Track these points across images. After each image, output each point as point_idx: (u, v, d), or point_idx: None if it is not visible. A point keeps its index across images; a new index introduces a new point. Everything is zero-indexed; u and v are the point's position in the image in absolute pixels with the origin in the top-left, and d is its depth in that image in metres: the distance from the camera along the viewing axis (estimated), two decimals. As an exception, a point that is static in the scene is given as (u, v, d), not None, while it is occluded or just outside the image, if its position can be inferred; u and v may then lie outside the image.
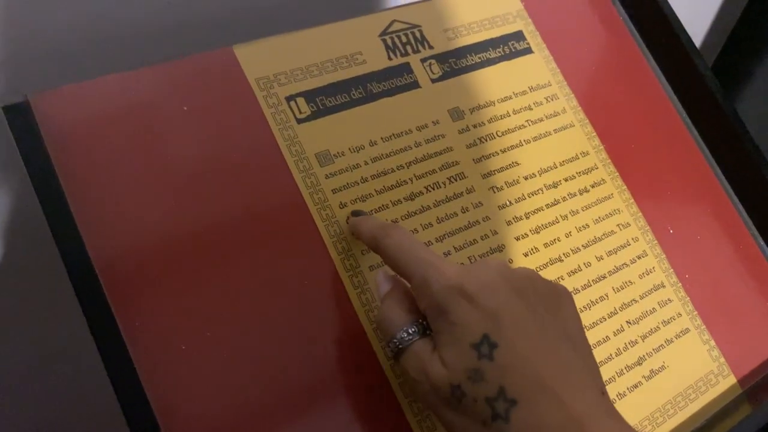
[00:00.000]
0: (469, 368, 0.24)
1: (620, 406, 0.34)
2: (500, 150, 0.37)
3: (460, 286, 0.26)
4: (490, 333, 0.25)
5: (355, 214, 0.32)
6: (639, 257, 0.38)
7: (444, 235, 0.34)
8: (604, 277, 0.37)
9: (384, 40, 0.37)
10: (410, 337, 0.27)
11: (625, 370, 0.35)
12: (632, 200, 0.39)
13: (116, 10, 0.38)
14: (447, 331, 0.25)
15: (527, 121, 0.39)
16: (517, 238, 0.36)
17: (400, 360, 0.27)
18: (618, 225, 0.38)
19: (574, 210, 0.38)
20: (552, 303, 0.27)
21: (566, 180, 0.38)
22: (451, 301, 0.25)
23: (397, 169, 0.35)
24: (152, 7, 0.39)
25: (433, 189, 0.35)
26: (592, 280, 0.36)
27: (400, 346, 0.27)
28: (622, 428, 0.24)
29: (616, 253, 0.38)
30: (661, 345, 0.37)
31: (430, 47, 0.38)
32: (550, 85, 0.40)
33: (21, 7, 0.35)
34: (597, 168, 0.39)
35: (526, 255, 0.35)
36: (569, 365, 0.25)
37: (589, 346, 0.27)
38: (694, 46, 0.43)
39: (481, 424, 0.24)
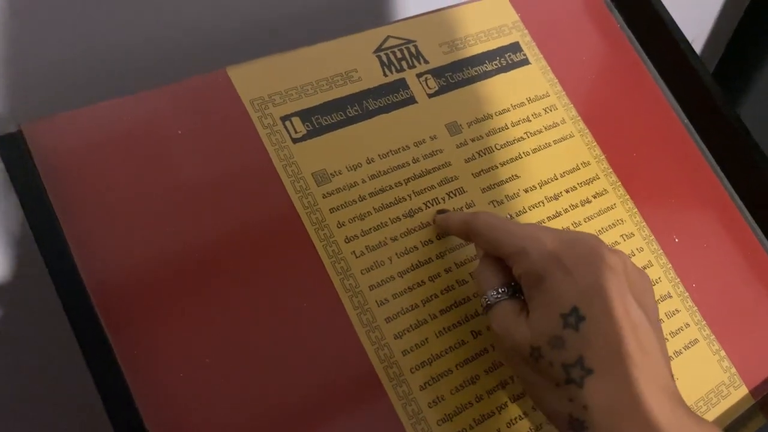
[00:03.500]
0: (552, 335, 0.26)
1: (629, 422, 0.34)
2: (499, 163, 0.37)
3: (560, 257, 0.27)
4: (580, 306, 0.26)
5: (441, 212, 0.34)
6: (644, 267, 0.38)
7: (445, 251, 0.34)
8: (609, 289, 0.36)
9: (379, 57, 0.37)
10: (499, 297, 0.29)
11: (633, 384, 0.35)
12: (635, 210, 0.39)
13: (112, 36, 0.38)
14: (539, 298, 0.27)
15: (526, 133, 0.38)
16: (519, 253, 0.35)
17: (488, 314, 0.29)
18: (622, 235, 0.38)
19: (576, 222, 0.37)
20: (639, 287, 0.28)
21: (567, 191, 0.38)
22: (549, 269, 0.27)
23: (396, 186, 0.34)
24: (149, 32, 0.39)
25: (433, 204, 0.35)
26: (597, 293, 0.36)
27: (489, 303, 0.29)
28: (686, 413, 0.25)
29: (620, 264, 0.37)
30: (670, 357, 0.36)
31: (426, 62, 0.37)
32: (549, 95, 0.40)
33: (16, 35, 0.35)
34: (599, 178, 0.39)
35: (528, 269, 0.35)
36: (648, 350, 0.26)
37: (663, 333, 0.28)
38: (692, 50, 0.43)
39: (555, 385, 0.26)
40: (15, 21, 0.34)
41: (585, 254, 0.27)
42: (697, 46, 0.91)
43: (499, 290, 0.29)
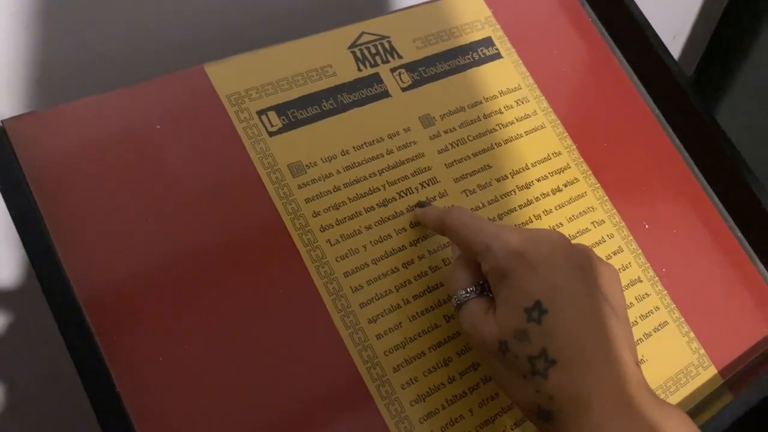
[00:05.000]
0: (517, 329, 0.27)
1: (599, 401, 0.35)
2: (472, 154, 0.38)
3: (523, 254, 0.28)
4: (543, 300, 0.27)
5: (421, 205, 0.35)
6: (615, 253, 0.39)
7: (418, 239, 0.35)
8: (580, 274, 0.37)
9: (353, 52, 0.38)
10: (467, 296, 0.30)
11: (603, 365, 0.36)
12: (606, 198, 0.40)
13: (96, 35, 0.39)
14: (504, 293, 0.28)
15: (498, 124, 0.39)
16: (491, 240, 0.36)
17: (458, 314, 0.30)
18: (592, 222, 0.39)
19: (547, 209, 0.38)
20: (605, 279, 0.29)
21: (539, 180, 0.39)
22: (513, 266, 0.28)
23: (370, 176, 0.35)
24: (132, 31, 0.40)
25: (406, 194, 0.36)
26: (568, 278, 0.37)
27: (458, 302, 0.30)
28: (651, 398, 0.26)
29: (591, 250, 0.38)
30: (640, 339, 0.37)
31: (400, 57, 0.39)
32: (521, 88, 0.41)
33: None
34: (569, 167, 0.40)
35: (500, 255, 0.36)
36: (611, 340, 0.27)
37: (629, 322, 0.30)
38: (661, 42, 0.44)
39: (522, 377, 0.27)
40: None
41: (549, 251, 0.28)
42: (679, 42, 0.92)
43: (468, 289, 0.30)
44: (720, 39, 0.92)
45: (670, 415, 0.26)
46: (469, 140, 0.38)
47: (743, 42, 0.89)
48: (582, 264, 0.29)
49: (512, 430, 0.32)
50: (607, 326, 0.27)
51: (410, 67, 0.39)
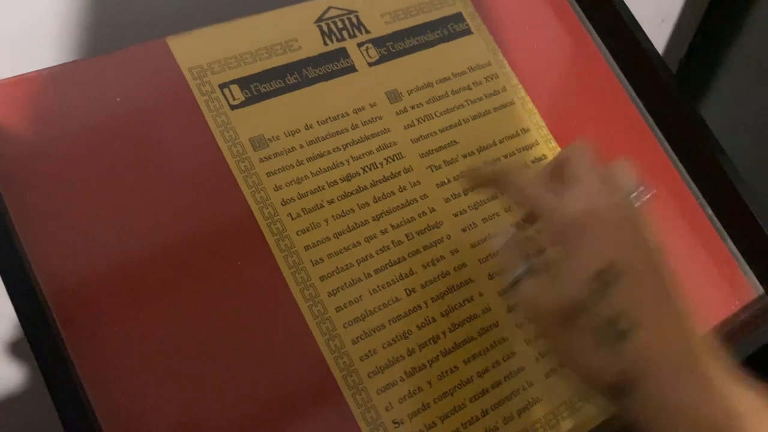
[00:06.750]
0: (593, 290, 0.26)
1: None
2: (438, 130, 0.38)
3: (593, 215, 0.27)
4: (617, 261, 0.26)
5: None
6: (581, 230, 0.39)
7: (381, 213, 0.35)
8: (545, 250, 0.37)
9: (320, 27, 0.37)
10: (527, 266, 0.29)
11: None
12: (574, 174, 0.40)
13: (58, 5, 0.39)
14: (575, 254, 0.27)
15: (466, 100, 0.39)
16: (456, 215, 0.36)
17: (515, 288, 0.29)
18: (559, 199, 0.39)
19: (513, 185, 0.38)
20: (661, 252, 0.28)
21: (506, 156, 0.39)
22: (583, 226, 0.27)
23: (334, 151, 0.35)
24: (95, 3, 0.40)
25: (371, 169, 0.36)
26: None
27: (517, 276, 0.29)
28: (725, 366, 0.26)
29: (557, 226, 0.38)
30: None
31: (367, 32, 0.38)
32: (490, 64, 0.41)
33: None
34: (538, 144, 0.40)
35: (464, 230, 0.36)
36: (683, 312, 0.27)
37: None
38: (635, 21, 0.44)
39: (596, 343, 0.26)
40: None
41: (617, 212, 0.28)
42: (668, 26, 0.92)
43: (527, 261, 0.29)
44: (710, 21, 0.91)
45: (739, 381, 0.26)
46: (436, 116, 0.38)
47: (734, 24, 0.89)
48: (644, 225, 0.28)
49: (471, 402, 0.33)
50: (677, 300, 0.27)
51: (378, 42, 0.38)
